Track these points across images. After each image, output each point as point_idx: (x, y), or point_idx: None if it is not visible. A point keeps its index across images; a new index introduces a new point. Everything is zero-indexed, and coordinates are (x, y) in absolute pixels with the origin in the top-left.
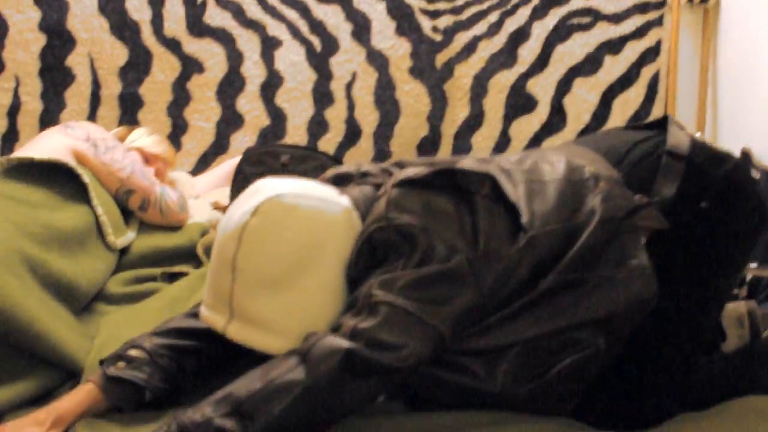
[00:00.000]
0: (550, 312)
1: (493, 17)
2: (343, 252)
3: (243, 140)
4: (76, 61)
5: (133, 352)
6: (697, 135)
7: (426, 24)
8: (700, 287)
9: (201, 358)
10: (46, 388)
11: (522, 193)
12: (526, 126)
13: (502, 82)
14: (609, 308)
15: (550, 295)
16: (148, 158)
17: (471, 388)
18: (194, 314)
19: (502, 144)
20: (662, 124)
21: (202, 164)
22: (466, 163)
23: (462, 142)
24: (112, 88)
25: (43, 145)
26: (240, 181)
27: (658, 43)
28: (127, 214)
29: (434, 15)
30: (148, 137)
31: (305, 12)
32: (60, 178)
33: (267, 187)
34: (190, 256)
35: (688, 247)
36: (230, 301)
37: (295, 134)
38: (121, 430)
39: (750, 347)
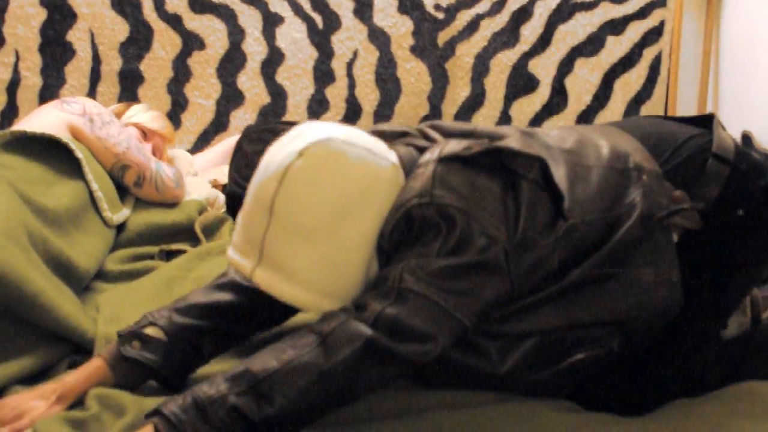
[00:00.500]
0: (574, 305)
1: None
2: (384, 210)
3: (243, 118)
4: (76, 36)
5: (150, 331)
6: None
7: (428, 2)
8: (719, 292)
9: (219, 341)
10: (45, 365)
11: (564, 177)
12: (527, 106)
13: (504, 61)
14: (631, 311)
15: (576, 287)
16: (145, 134)
17: (476, 370)
18: (217, 286)
19: (503, 124)
20: (706, 121)
21: (202, 142)
22: (513, 141)
23: (462, 121)
24: (113, 63)
25: (40, 120)
26: (239, 159)
27: (661, 24)
28: (122, 192)
29: None
30: (146, 113)
31: None
32: (55, 154)
33: (315, 130)
34: (187, 233)
35: (717, 251)
36: (261, 245)
37: (296, 112)
38: (133, 400)
39: (748, 336)
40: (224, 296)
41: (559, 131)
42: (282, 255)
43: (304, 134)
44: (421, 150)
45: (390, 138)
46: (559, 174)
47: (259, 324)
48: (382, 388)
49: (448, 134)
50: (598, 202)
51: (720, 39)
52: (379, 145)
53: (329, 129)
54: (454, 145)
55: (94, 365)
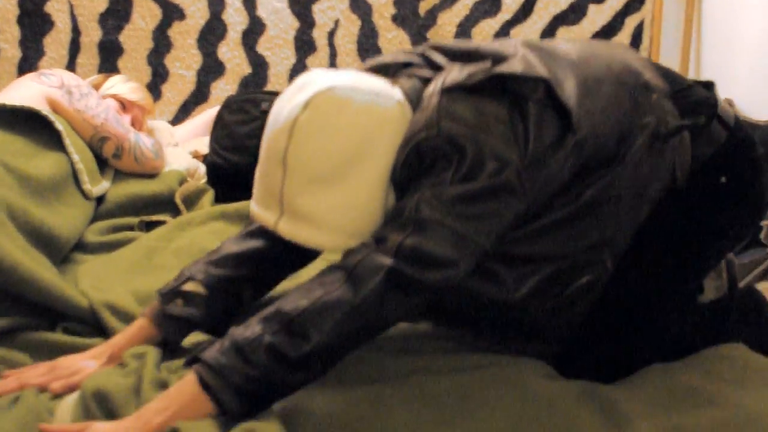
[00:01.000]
0: (588, 227)
1: None
2: (395, 146)
3: (224, 89)
4: (55, 7)
5: (189, 287)
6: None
7: None
8: (695, 255)
9: (257, 286)
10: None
11: (573, 90)
12: None
13: (486, 30)
14: (633, 227)
15: (591, 207)
16: (125, 105)
17: (491, 297)
18: (248, 234)
19: None
20: (705, 86)
21: (183, 113)
22: (516, 62)
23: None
24: (92, 35)
25: (19, 93)
26: (219, 129)
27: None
28: (101, 165)
29: None
30: (124, 84)
31: None
32: (35, 126)
33: (318, 80)
34: (168, 204)
35: (694, 215)
36: (281, 197)
37: (277, 82)
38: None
39: (725, 301)
40: (256, 243)
41: (568, 44)
42: (302, 204)
43: (309, 84)
44: (426, 81)
45: (394, 71)
46: (568, 87)
47: (293, 264)
48: (410, 321)
49: (451, 55)
50: (608, 116)
51: (702, 7)
52: (384, 86)
53: (333, 77)
54: (456, 74)
55: (139, 325)
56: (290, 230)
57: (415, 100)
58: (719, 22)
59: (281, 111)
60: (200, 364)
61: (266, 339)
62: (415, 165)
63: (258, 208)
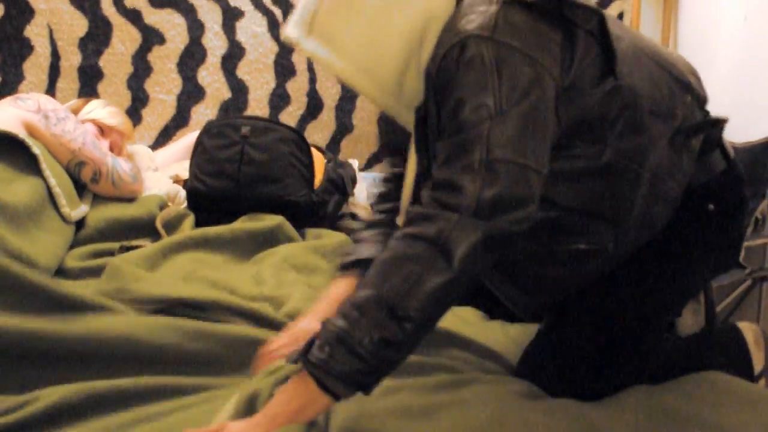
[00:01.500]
0: (603, 191)
1: None
2: (431, 11)
3: (204, 113)
4: (34, 32)
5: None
6: None
7: None
8: (677, 280)
9: None
10: None
11: (625, 47)
12: None
13: None
14: (643, 225)
15: (608, 171)
16: (103, 130)
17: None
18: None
19: None
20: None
21: (163, 137)
22: None
23: None
24: (72, 59)
25: None
26: (200, 154)
27: (621, 15)
28: (79, 189)
29: None
30: (103, 109)
31: None
32: (11, 151)
33: None
34: (147, 228)
35: (677, 234)
36: (314, 16)
37: (257, 107)
38: None
39: (705, 333)
40: None
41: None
42: (330, 26)
43: None
44: None
45: None
46: (617, 35)
47: None
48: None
49: None
50: (645, 85)
51: (678, 29)
52: None
53: None
54: None
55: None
56: (313, 48)
57: None
58: (695, 43)
59: None
60: (311, 366)
61: (371, 329)
62: (456, 63)
63: (291, 27)
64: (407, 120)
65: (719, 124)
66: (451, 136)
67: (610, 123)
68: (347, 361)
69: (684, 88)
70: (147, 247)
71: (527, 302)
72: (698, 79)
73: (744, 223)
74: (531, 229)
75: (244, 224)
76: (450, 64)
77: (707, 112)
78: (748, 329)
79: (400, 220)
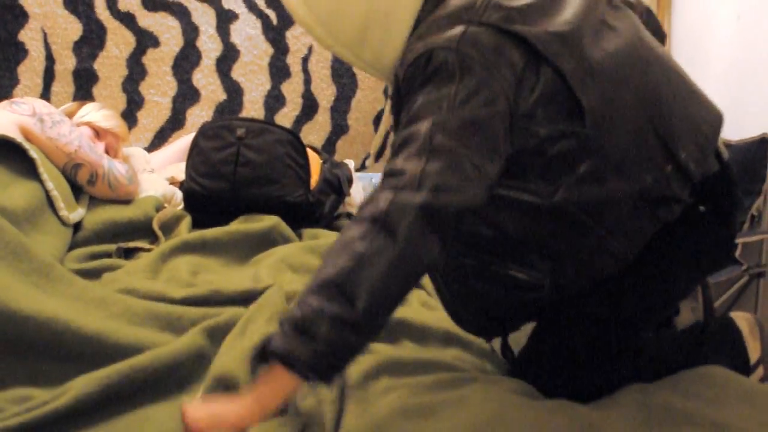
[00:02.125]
0: (542, 226)
1: None
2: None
3: (199, 115)
4: (28, 35)
5: None
6: None
7: None
8: (670, 280)
9: None
10: None
11: (594, 95)
12: None
13: None
14: (580, 256)
15: (555, 212)
16: (98, 133)
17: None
18: None
19: None
20: None
21: (159, 140)
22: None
23: None
24: (66, 63)
25: None
26: (195, 155)
27: None
28: (76, 192)
29: None
30: (98, 112)
31: None
32: (8, 155)
33: None
34: (145, 230)
35: (669, 234)
36: None
37: (252, 108)
38: None
39: (701, 328)
40: None
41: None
42: None
43: None
44: None
45: None
46: (589, 91)
47: None
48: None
49: None
50: (620, 142)
51: (671, 28)
52: None
53: None
54: (492, 13)
55: None
56: (295, 5)
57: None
58: (688, 42)
59: None
60: (275, 357)
61: (327, 311)
62: (421, 69)
63: None
64: (373, 75)
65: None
66: (402, 129)
67: (569, 166)
68: (306, 346)
69: (668, 157)
70: (143, 257)
71: (465, 315)
72: (706, 155)
73: (736, 223)
74: (469, 234)
75: (240, 226)
76: (416, 72)
77: (695, 192)
78: (742, 319)
79: (370, 161)
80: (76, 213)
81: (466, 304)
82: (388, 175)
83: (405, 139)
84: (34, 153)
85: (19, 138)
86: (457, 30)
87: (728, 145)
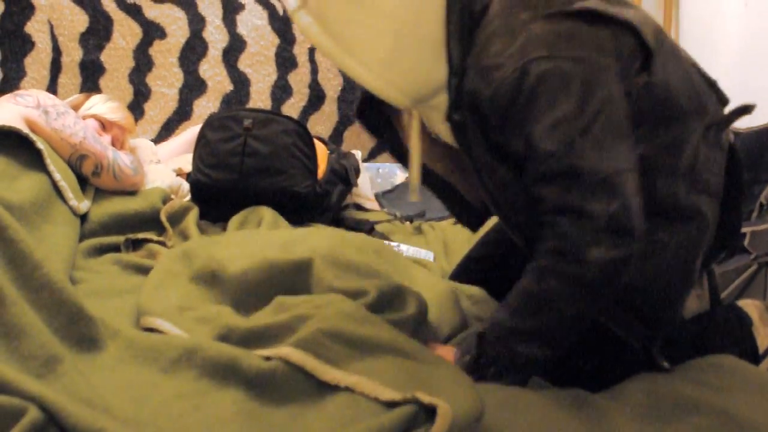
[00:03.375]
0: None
1: None
2: (434, 12)
3: (206, 106)
4: (35, 27)
5: None
6: None
7: None
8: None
9: None
10: None
11: (667, 44)
12: None
13: None
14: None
15: (642, 164)
16: (104, 125)
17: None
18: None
19: None
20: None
21: (166, 131)
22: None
23: None
24: (73, 54)
25: None
26: (202, 147)
27: None
28: (81, 184)
29: None
30: (104, 104)
31: None
32: (14, 147)
33: None
34: (152, 222)
35: None
36: None
37: (259, 99)
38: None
39: (709, 316)
40: None
41: None
42: (327, 7)
43: None
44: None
45: None
46: (658, 30)
47: None
48: None
49: None
50: (679, 84)
51: (679, 16)
52: None
53: None
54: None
55: None
56: (304, 23)
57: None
58: (696, 33)
59: None
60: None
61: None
62: (515, 88)
63: None
64: (400, 102)
65: (747, 110)
66: (543, 162)
67: (642, 117)
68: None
69: (711, 86)
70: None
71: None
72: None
73: (741, 207)
74: None
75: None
76: (509, 92)
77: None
78: (751, 306)
79: (413, 197)
80: (83, 204)
81: None
82: (570, 212)
83: (562, 174)
84: (41, 144)
85: (24, 130)
86: (540, 31)
87: (736, 134)
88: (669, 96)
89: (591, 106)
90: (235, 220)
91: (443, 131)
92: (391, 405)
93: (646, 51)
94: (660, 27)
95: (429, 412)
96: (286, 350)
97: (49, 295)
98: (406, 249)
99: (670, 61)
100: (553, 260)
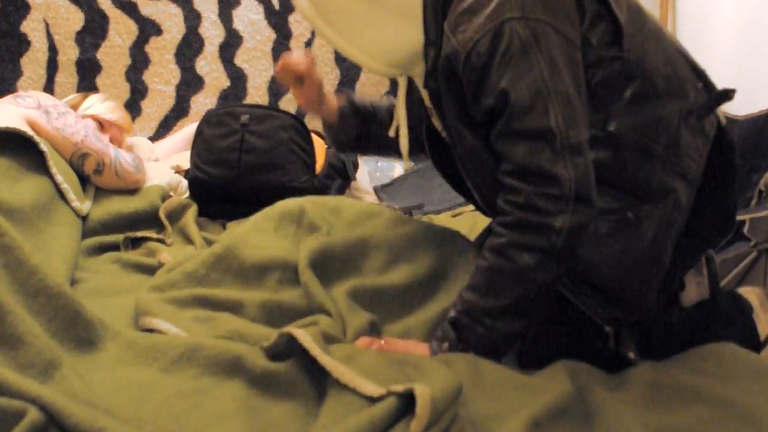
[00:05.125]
0: (607, 158)
1: None
2: None
3: (203, 102)
4: (30, 27)
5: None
6: None
7: None
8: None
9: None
10: None
11: (649, 25)
12: None
13: None
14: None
15: (614, 140)
16: (102, 125)
17: None
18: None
19: None
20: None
21: (163, 128)
22: None
23: None
24: (69, 53)
25: None
26: (200, 143)
27: None
28: (81, 184)
29: None
30: (102, 104)
31: None
32: (16, 149)
33: None
34: (151, 220)
35: None
36: None
37: (256, 94)
38: None
39: (709, 303)
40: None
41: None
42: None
43: None
44: None
45: None
46: (620, 13)
47: None
48: None
49: None
50: (659, 65)
51: (676, 4)
52: None
53: None
54: None
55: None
56: (307, 11)
57: None
58: (693, 22)
59: None
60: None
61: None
62: (489, 47)
63: None
64: (375, 68)
65: (729, 95)
66: (513, 119)
67: (614, 93)
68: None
69: (697, 74)
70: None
71: None
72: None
73: (734, 192)
74: None
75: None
76: (484, 50)
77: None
78: (752, 293)
79: (405, 165)
80: (86, 205)
81: None
82: (536, 175)
83: (532, 133)
84: (44, 146)
85: (29, 131)
86: None
87: (734, 121)
88: (643, 75)
89: (563, 69)
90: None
91: (425, 97)
92: (376, 400)
93: (617, 25)
94: (640, 8)
95: (409, 400)
96: (289, 329)
97: (46, 300)
98: None
99: (649, 41)
100: (519, 234)
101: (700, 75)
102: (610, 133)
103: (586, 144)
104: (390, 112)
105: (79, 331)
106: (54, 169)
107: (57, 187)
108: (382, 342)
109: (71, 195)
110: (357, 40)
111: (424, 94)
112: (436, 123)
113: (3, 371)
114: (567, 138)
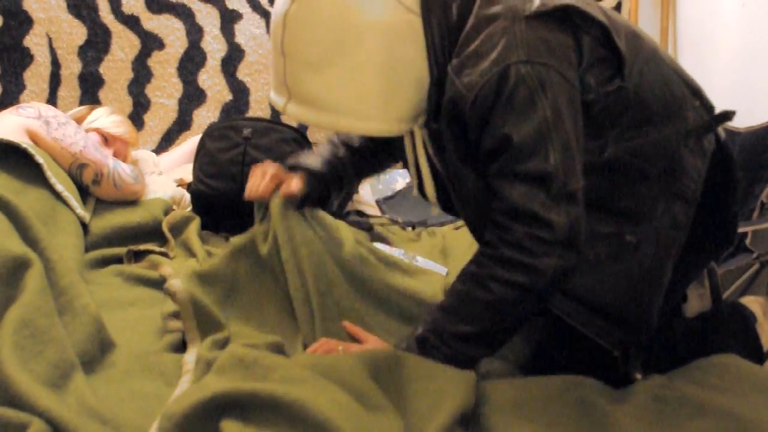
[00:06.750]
0: (603, 184)
1: None
2: (390, 31)
3: (206, 116)
4: (33, 41)
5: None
6: None
7: None
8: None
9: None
10: None
11: (646, 48)
12: None
13: None
14: (660, 207)
15: (610, 167)
16: (107, 139)
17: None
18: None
19: None
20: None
21: (166, 142)
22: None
23: None
24: (72, 67)
25: None
26: (202, 156)
27: (618, 5)
28: (81, 195)
29: None
30: (107, 118)
31: None
32: (16, 161)
33: None
34: (154, 233)
35: None
36: (286, 82)
37: (258, 108)
38: None
39: (712, 315)
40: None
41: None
42: (303, 88)
43: None
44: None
45: None
46: (635, 34)
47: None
48: None
49: None
50: (655, 89)
51: (677, 17)
52: None
53: None
54: (522, 4)
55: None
56: (297, 113)
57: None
58: (694, 32)
59: (277, 6)
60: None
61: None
62: (495, 90)
63: (273, 94)
64: (403, 131)
65: (728, 117)
66: (514, 161)
67: (611, 120)
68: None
69: (694, 93)
70: None
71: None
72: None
73: (736, 206)
74: None
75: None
76: (490, 93)
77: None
78: (755, 303)
79: (434, 211)
80: (87, 214)
81: None
82: (530, 218)
83: (533, 177)
84: (40, 158)
85: (25, 142)
86: (518, 35)
87: (736, 133)
88: (640, 100)
89: (565, 116)
90: None
91: (422, 136)
92: None
93: (619, 56)
94: (636, 31)
95: None
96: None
97: (71, 319)
98: (423, 262)
99: (647, 66)
100: (502, 269)
101: (696, 93)
102: (606, 159)
103: (581, 193)
104: (339, 158)
105: (95, 349)
106: (53, 180)
107: (58, 196)
108: (340, 348)
109: (74, 202)
110: (377, 114)
111: (422, 133)
112: (433, 160)
113: (20, 377)
114: (564, 185)
